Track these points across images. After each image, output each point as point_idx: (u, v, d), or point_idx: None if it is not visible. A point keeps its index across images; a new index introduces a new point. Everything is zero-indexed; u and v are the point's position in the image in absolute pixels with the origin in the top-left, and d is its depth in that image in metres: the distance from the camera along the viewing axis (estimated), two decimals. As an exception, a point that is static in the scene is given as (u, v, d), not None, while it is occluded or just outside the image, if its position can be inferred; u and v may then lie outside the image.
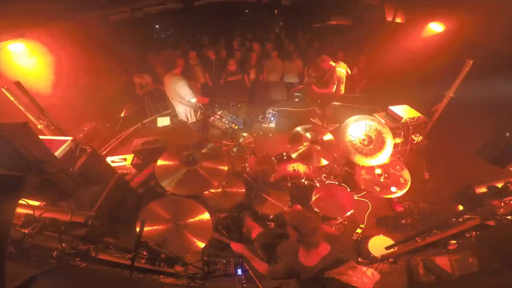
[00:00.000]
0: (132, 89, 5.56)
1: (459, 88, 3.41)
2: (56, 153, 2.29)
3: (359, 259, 2.82)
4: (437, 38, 4.33)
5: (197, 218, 2.13)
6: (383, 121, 3.10)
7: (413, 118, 3.38)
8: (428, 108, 3.73)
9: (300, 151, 3.07)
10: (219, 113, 5.62)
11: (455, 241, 1.77)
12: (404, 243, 2.28)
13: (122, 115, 4.97)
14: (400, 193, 2.84)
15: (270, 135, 5.03)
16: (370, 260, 2.70)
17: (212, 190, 2.83)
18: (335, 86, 4.35)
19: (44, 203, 1.38)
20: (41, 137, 1.47)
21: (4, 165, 1.10)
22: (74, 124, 4.49)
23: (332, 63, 4.34)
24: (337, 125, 4.37)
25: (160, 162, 2.44)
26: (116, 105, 5.17)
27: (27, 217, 1.10)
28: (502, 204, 1.39)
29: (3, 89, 2.81)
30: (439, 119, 3.73)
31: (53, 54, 4.13)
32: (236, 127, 5.20)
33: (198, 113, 3.93)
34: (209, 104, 6.00)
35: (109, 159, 3.75)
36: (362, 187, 3.01)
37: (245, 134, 3.63)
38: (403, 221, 3.16)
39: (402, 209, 3.28)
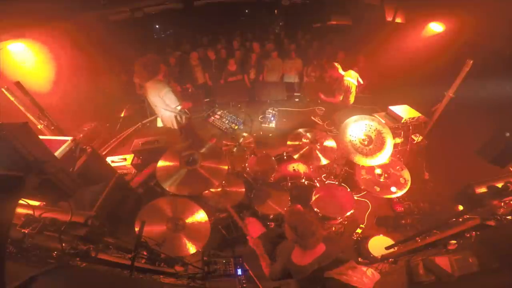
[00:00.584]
0: (132, 89, 5.57)
1: (459, 88, 3.41)
2: (56, 153, 2.30)
3: (359, 259, 2.82)
4: (437, 38, 4.33)
5: (195, 219, 2.14)
6: (383, 121, 3.10)
7: (413, 118, 3.38)
8: (428, 108, 3.73)
9: (301, 151, 3.08)
10: (219, 113, 5.63)
11: (455, 241, 1.77)
12: (404, 243, 2.28)
13: (122, 115, 4.96)
14: (400, 193, 2.84)
15: (270, 135, 5.03)
16: (370, 260, 2.70)
17: (212, 190, 2.83)
18: (341, 96, 4.16)
19: (44, 203, 1.38)
20: (41, 137, 1.47)
21: (4, 165, 1.10)
22: (74, 124, 4.49)
23: (341, 71, 4.14)
24: (336, 132, 4.29)
25: (160, 163, 2.45)
26: (116, 105, 5.17)
27: (27, 217, 1.10)
28: (502, 204, 1.39)
29: (3, 89, 2.82)
30: (439, 119, 3.73)
31: (53, 54, 4.13)
32: (236, 127, 5.21)
33: (183, 118, 3.63)
34: (209, 104, 6.02)
35: (109, 159, 3.75)
36: (362, 187, 3.01)
37: (245, 134, 3.62)
38: (403, 221, 3.16)
39: (402, 209, 3.28)
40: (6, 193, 0.78)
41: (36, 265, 1.10)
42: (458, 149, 3.39)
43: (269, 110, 5.52)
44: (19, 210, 1.13)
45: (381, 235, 2.90)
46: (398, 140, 3.44)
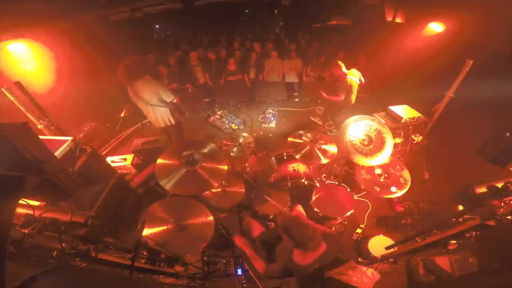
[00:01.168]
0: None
1: (459, 88, 3.41)
2: (56, 153, 2.30)
3: (359, 259, 2.82)
4: (437, 38, 4.33)
5: (198, 219, 2.14)
6: (383, 121, 3.10)
7: (413, 118, 3.38)
8: (428, 108, 3.73)
9: (302, 152, 3.09)
10: (219, 113, 5.64)
11: (455, 241, 1.77)
12: (404, 243, 2.28)
13: (122, 115, 4.97)
14: (400, 193, 2.84)
15: (270, 135, 5.03)
16: (370, 260, 2.70)
17: (212, 190, 2.83)
18: (344, 95, 4.07)
19: (44, 203, 1.38)
20: (41, 137, 1.47)
21: (4, 165, 1.10)
22: (74, 124, 4.50)
23: (344, 69, 4.06)
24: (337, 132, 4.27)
25: (159, 161, 2.44)
26: (116, 105, 5.17)
27: (27, 217, 1.09)
28: (502, 204, 1.39)
29: (3, 89, 2.82)
30: (439, 119, 3.74)
31: (53, 54, 4.13)
32: (236, 127, 5.21)
33: (178, 111, 3.59)
34: (209, 104, 6.02)
35: (109, 159, 3.75)
36: (362, 187, 3.01)
37: (245, 134, 3.62)
38: (403, 221, 3.16)
39: (402, 209, 3.28)
40: (6, 193, 0.78)
41: (36, 265, 1.10)
42: (458, 149, 3.40)
43: (269, 110, 5.52)
44: (19, 210, 1.13)
45: (381, 235, 2.90)
46: (398, 140, 3.44)
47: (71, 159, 2.44)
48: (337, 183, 3.28)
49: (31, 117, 3.01)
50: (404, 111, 3.46)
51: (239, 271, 1.93)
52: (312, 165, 3.44)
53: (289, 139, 3.28)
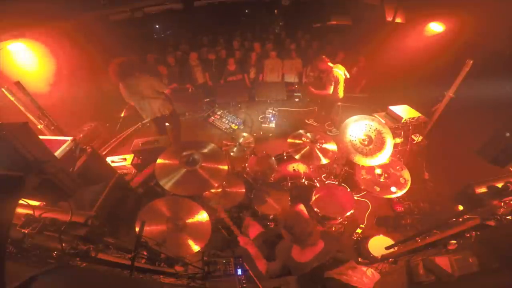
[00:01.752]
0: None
1: (459, 88, 3.41)
2: (56, 153, 2.30)
3: (359, 259, 2.82)
4: (437, 38, 4.33)
5: (196, 219, 2.14)
6: (383, 121, 3.10)
7: (413, 118, 3.38)
8: (428, 108, 3.73)
9: (302, 152, 3.08)
10: (219, 113, 5.64)
11: (455, 241, 1.77)
12: (404, 243, 2.28)
13: (122, 115, 4.95)
14: (400, 193, 2.84)
15: (270, 135, 5.03)
16: (370, 260, 2.70)
17: (212, 190, 2.83)
18: (332, 87, 4.29)
19: (44, 203, 1.38)
20: (41, 137, 1.47)
21: (4, 165, 1.10)
22: (74, 124, 4.50)
23: (330, 64, 4.31)
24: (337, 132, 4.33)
25: (159, 161, 2.44)
26: (116, 105, 5.15)
27: (27, 217, 1.09)
28: (502, 204, 1.39)
29: (3, 89, 2.81)
30: (439, 119, 3.73)
31: (53, 54, 4.13)
32: (236, 127, 5.22)
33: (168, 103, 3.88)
34: (209, 104, 6.02)
35: (109, 159, 3.75)
36: (362, 187, 3.01)
37: (245, 134, 3.62)
38: (403, 221, 3.16)
39: (402, 209, 3.28)
40: (6, 193, 0.78)
41: (36, 265, 1.10)
42: (458, 149, 3.40)
43: (269, 110, 5.52)
44: (19, 210, 1.13)
45: (381, 235, 2.90)
46: (398, 140, 3.44)
47: (71, 159, 2.43)
48: (337, 183, 3.28)
49: (31, 117, 3.00)
50: (404, 111, 3.46)
51: (239, 271, 1.93)
52: (312, 165, 3.44)
53: (289, 140, 3.29)
